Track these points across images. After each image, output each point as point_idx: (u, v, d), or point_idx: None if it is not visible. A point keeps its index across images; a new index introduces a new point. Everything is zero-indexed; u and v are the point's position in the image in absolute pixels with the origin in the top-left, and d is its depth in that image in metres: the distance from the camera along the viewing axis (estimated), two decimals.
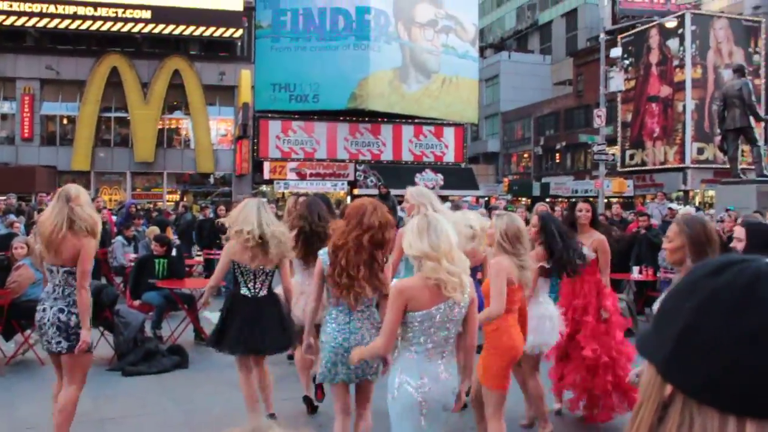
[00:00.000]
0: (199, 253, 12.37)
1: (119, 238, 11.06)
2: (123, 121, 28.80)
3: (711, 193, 31.78)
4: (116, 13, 27.34)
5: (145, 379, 7.00)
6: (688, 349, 0.89)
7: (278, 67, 29.49)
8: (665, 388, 0.91)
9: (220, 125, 30.22)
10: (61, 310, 4.62)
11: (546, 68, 49.43)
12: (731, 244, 4.38)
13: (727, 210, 11.97)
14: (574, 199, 35.24)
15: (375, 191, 28.36)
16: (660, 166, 33.54)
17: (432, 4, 31.91)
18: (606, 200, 24.18)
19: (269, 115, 29.72)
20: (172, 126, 29.98)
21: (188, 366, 7.46)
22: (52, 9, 26.76)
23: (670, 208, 13.32)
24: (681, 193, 31.26)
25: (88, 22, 27.32)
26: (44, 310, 4.68)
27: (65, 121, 29.10)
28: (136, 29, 27.66)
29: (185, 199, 28.48)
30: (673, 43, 32.70)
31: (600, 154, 21.33)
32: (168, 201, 27.95)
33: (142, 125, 28.05)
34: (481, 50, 41.45)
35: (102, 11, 27.24)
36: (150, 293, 8.62)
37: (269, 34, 29.95)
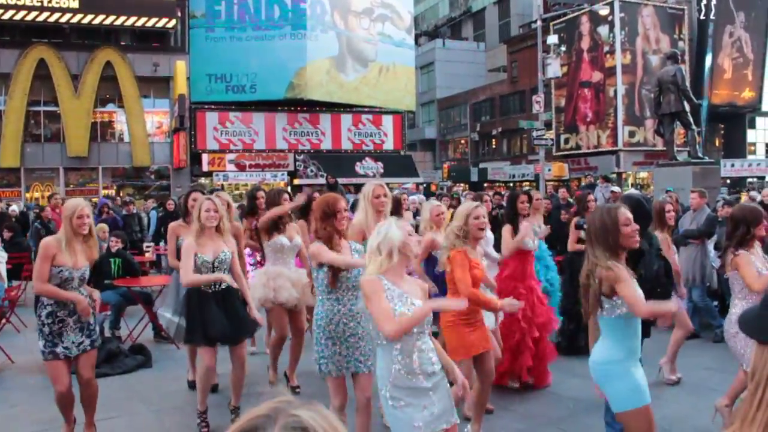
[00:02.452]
0: (148, 248, 12.11)
1: None
2: (53, 115, 27.74)
3: (642, 174, 32.94)
4: (42, 2, 26.25)
5: (109, 380, 6.85)
6: None
7: (214, 58, 28.98)
8: None
9: (156, 118, 29.52)
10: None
11: (480, 55, 50.03)
12: None
13: (667, 191, 12.39)
14: (511, 184, 35.94)
15: (315, 181, 28.32)
16: (593, 150, 34.50)
17: None
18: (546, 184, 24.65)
19: (206, 106, 29.21)
20: (106, 119, 29.07)
21: (152, 365, 7.34)
22: None
23: (612, 192, 13.74)
24: (614, 176, 32.21)
25: (11, 12, 26.15)
26: (61, 320, 4.78)
27: None
28: (63, 19, 26.64)
29: (121, 193, 27.79)
30: (603, 30, 33.62)
31: (540, 139, 21.78)
32: (105, 197, 27.12)
33: (74, 119, 27.11)
34: (416, 38, 41.60)
35: (26, 0, 26.17)
36: (106, 292, 8.40)
37: (204, 24, 29.39)
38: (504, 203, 8.03)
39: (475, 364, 4.93)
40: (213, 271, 5.22)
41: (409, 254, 3.51)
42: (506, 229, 6.38)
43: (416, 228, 6.09)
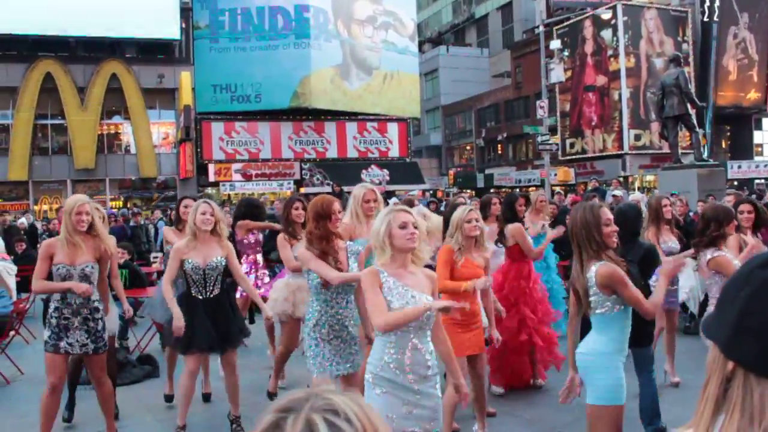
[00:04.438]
0: (155, 258, 12.18)
1: None
2: (60, 128, 27.99)
3: (649, 177, 32.85)
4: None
5: (117, 390, 6.88)
6: (745, 330, 1.08)
7: (218, 68, 29.15)
8: (728, 365, 1.10)
9: (162, 129, 29.70)
10: (90, 312, 4.88)
11: (484, 61, 50.11)
12: None
13: (672, 194, 12.38)
14: (518, 189, 35.90)
15: (321, 189, 28.36)
16: (599, 154, 34.47)
17: (370, 1, 31.99)
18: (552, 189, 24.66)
19: (211, 116, 29.36)
20: (112, 131, 29.30)
21: (159, 375, 7.38)
22: None
23: (614, 196, 13.76)
24: (621, 179, 32.15)
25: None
26: (66, 318, 4.81)
27: None
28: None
29: (129, 204, 27.94)
30: (606, 34, 33.63)
31: (544, 144, 21.80)
32: (112, 208, 27.29)
33: (81, 131, 27.34)
34: (420, 45, 41.73)
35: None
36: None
37: (208, 35, 29.57)
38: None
39: (468, 366, 4.96)
40: (204, 278, 5.11)
41: (402, 247, 3.37)
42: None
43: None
